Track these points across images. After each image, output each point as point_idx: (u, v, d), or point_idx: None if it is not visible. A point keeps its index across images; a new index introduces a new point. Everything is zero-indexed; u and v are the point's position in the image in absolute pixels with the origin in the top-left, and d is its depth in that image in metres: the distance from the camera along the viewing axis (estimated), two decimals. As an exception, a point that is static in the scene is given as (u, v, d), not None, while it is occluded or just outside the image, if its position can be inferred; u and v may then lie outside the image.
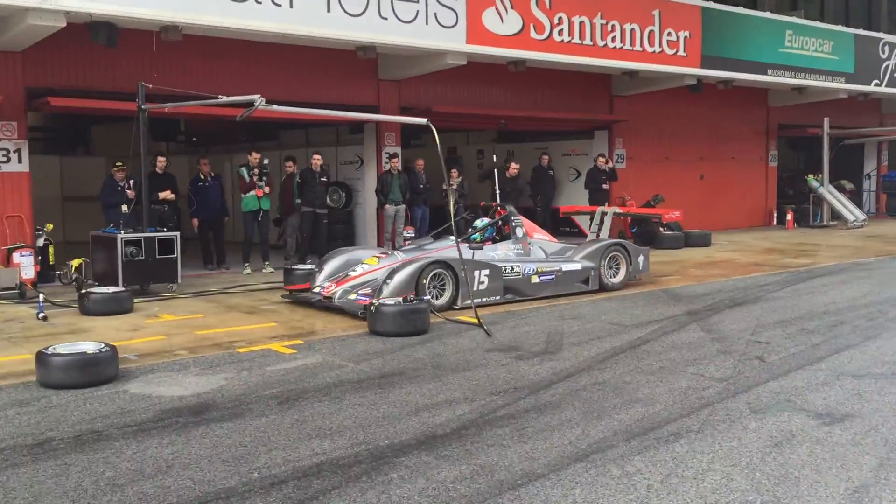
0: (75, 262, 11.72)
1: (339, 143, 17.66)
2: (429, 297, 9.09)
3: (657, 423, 5.23)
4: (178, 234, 11.32)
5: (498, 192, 12.90)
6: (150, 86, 10.66)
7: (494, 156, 14.53)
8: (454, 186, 15.92)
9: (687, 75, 17.92)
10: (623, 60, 16.51)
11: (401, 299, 8.51)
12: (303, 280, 10.43)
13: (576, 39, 15.62)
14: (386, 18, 13.08)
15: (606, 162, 17.64)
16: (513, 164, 16.17)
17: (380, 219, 15.84)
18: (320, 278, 10.17)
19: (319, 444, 4.97)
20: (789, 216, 22.07)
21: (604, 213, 13.89)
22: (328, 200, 15.22)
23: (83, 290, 10.05)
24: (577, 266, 10.85)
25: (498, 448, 4.83)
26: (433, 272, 9.35)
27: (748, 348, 7.38)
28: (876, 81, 22.37)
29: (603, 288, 10.87)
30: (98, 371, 6.40)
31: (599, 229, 13.40)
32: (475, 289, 9.54)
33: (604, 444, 4.86)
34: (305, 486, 4.31)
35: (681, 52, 17.46)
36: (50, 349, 6.47)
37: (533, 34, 14.97)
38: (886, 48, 22.56)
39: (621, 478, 4.32)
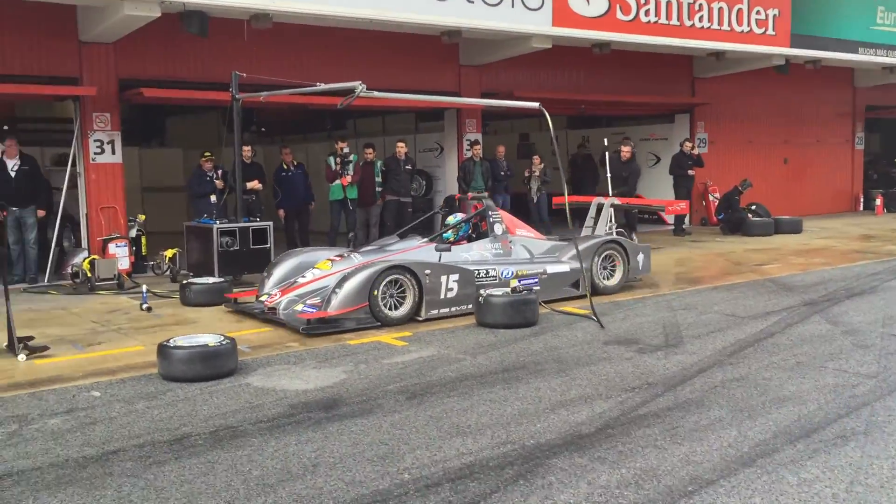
0: (169, 253, 11.79)
1: (417, 130, 17.49)
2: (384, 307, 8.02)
3: (817, 425, 4.93)
4: (271, 224, 11.28)
5: (610, 177, 12.40)
6: (244, 75, 10.59)
7: (605, 139, 13.76)
8: (536, 173, 15.69)
9: (775, 55, 17.28)
10: (710, 41, 15.98)
11: (509, 290, 8.30)
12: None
13: (662, 20, 15.14)
14: (472, 2, 12.83)
15: (693, 147, 17.10)
16: (625, 148, 15.02)
17: (461, 207, 15.63)
18: (268, 285, 8.95)
19: (462, 442, 4.79)
20: (878, 201, 21.29)
21: (600, 204, 11.76)
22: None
23: (183, 281, 10.06)
24: (563, 268, 9.46)
25: (653, 450, 4.59)
26: (389, 278, 8.08)
27: (885, 342, 7.00)
28: (970, 58, 21.35)
29: (596, 291, 9.23)
30: (220, 364, 6.33)
31: (595, 223, 11.36)
32: (442, 297, 8.33)
33: (766, 447, 4.59)
34: (462, 490, 4.13)
35: (769, 31, 16.84)
36: (171, 342, 6.41)
37: (619, 15, 14.55)
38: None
39: (800, 486, 4.05)
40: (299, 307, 8.24)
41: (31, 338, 7.34)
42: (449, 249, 9.18)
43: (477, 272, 8.78)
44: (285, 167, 13.79)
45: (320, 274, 8.66)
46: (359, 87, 8.61)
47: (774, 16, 16.89)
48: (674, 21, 15.32)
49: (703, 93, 19.02)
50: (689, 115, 19.22)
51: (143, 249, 12.36)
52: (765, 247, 14.35)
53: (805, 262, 12.27)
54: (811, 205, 21.15)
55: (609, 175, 12.78)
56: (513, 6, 13.25)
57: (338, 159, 13.31)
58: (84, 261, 11.02)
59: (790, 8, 17.12)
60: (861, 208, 22.51)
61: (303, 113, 20.41)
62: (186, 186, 12.92)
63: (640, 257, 10.18)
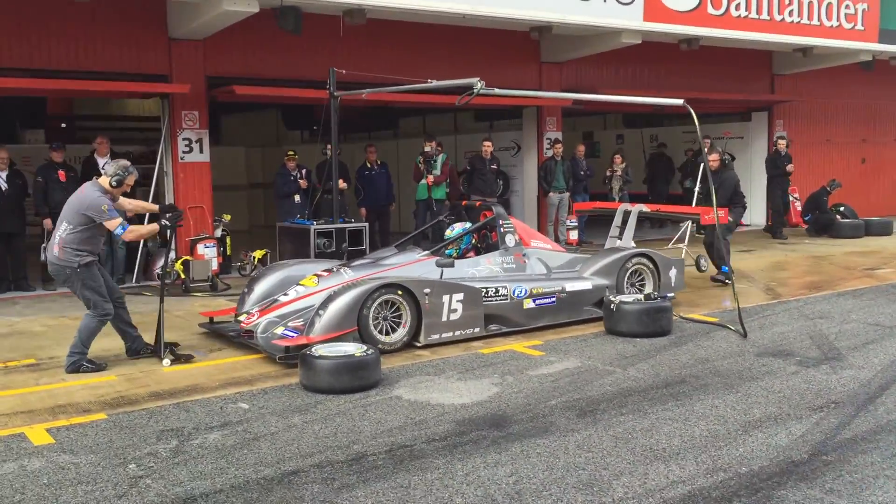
0: (258, 254, 11.53)
1: (456, 130, 17.17)
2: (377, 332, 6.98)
3: None
4: (367, 224, 10.97)
5: (699, 192, 11.70)
6: (343, 71, 10.28)
7: (705, 145, 12.13)
8: (619, 173, 15.26)
9: (863, 51, 16.71)
10: (799, 35, 15.46)
11: (642, 297, 7.89)
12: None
13: (752, 14, 14.65)
14: (565, -3, 12.45)
15: (788, 146, 16.44)
16: (712, 156, 11.70)
17: (541, 207, 15.27)
18: (248, 303, 7.83)
19: (667, 468, 4.42)
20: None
21: (626, 212, 10.26)
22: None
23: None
24: (586, 285, 8.40)
25: (886, 480, 4.18)
26: (382, 298, 7.00)
27: None
28: None
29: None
30: (366, 375, 6.01)
31: (621, 233, 9.93)
32: (444, 319, 7.27)
33: None
34: (698, 524, 3.76)
35: (858, 26, 16.27)
36: (314, 351, 6.10)
37: (710, 9, 14.10)
38: None
39: None
40: (279, 330, 7.10)
41: (176, 344, 7.09)
42: (452, 265, 7.96)
43: (485, 291, 7.68)
44: (369, 166, 13.49)
45: (304, 292, 7.49)
46: (478, 84, 8.25)
47: (864, 10, 16.31)
48: (763, 16, 14.83)
49: (783, 90, 18.48)
50: (768, 113, 18.68)
51: (228, 249, 12.11)
52: (862, 249, 13.82)
53: (915, 266, 11.75)
54: (890, 205, 20.50)
55: (698, 189, 12.09)
56: (605, 1, 12.85)
57: (422, 158, 12.98)
58: (177, 262, 10.80)
59: (879, 2, 16.54)
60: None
61: (362, 112, 20.32)
62: (273, 186, 12.64)
63: (673, 272, 9.10)
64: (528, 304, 7.95)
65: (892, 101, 20.68)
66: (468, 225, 8.72)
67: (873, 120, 20.59)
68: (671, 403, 5.56)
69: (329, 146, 12.10)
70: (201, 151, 11.87)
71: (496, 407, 5.57)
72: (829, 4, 15.75)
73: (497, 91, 8.39)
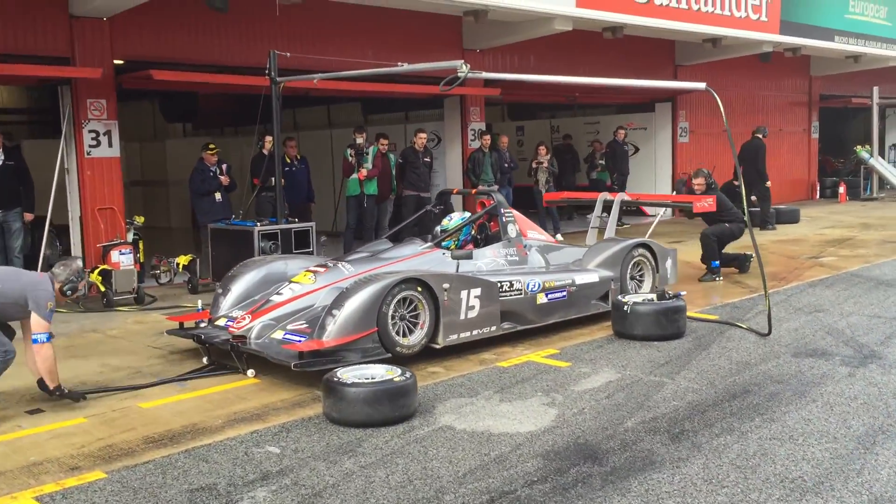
0: (182, 259, 10.31)
1: (407, 120, 16.34)
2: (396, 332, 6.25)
3: None
4: (313, 224, 9.97)
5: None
6: (287, 54, 9.23)
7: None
8: (545, 164, 14.84)
9: (766, 42, 17.01)
10: (714, 25, 15.49)
11: (653, 296, 7.36)
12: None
13: (674, 3, 14.54)
14: (499, -21, 11.80)
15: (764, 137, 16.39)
16: (697, 180, 10.75)
17: (468, 202, 14.60)
18: (225, 305, 6.90)
19: (826, 503, 3.86)
20: (842, 189, 21.53)
21: (608, 202, 9.63)
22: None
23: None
24: (593, 277, 7.87)
25: None
26: (401, 295, 6.28)
27: None
28: (921, 48, 21.86)
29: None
30: (407, 403, 5.16)
31: (605, 223, 9.43)
32: (462, 317, 6.59)
33: None
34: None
35: (763, 17, 16.53)
36: (337, 377, 5.18)
37: (636, -3, 13.86)
38: (930, 14, 22.05)
39: None
40: (278, 334, 6.28)
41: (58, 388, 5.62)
42: (470, 256, 7.41)
43: (500, 285, 7.03)
44: (288, 161, 12.36)
45: (301, 290, 6.69)
46: (462, 67, 7.45)
47: (767, 2, 16.59)
48: (682, 5, 14.76)
49: (685, 80, 18.60)
50: (672, 104, 18.80)
51: (141, 256, 10.73)
52: (783, 238, 13.99)
53: (851, 254, 11.90)
54: (783, 193, 21.18)
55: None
56: (541, -16, 12.32)
57: (353, 151, 12.04)
58: (92, 273, 9.41)
59: (781, -7, 16.90)
60: (817, 196, 22.75)
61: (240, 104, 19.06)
62: (189, 183, 11.33)
63: (669, 264, 8.71)
64: (542, 298, 7.32)
65: (778, 92, 21.38)
66: (466, 214, 7.98)
67: (763, 111, 21.19)
68: (758, 419, 5.03)
69: (266, 139, 11.01)
70: (111, 145, 10.44)
71: (570, 434, 4.86)
72: (739, -6, 15.91)
73: (485, 74, 7.66)
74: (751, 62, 18.39)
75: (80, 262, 6.02)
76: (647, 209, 16.31)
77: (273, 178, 10.69)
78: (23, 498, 4.14)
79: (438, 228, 7.90)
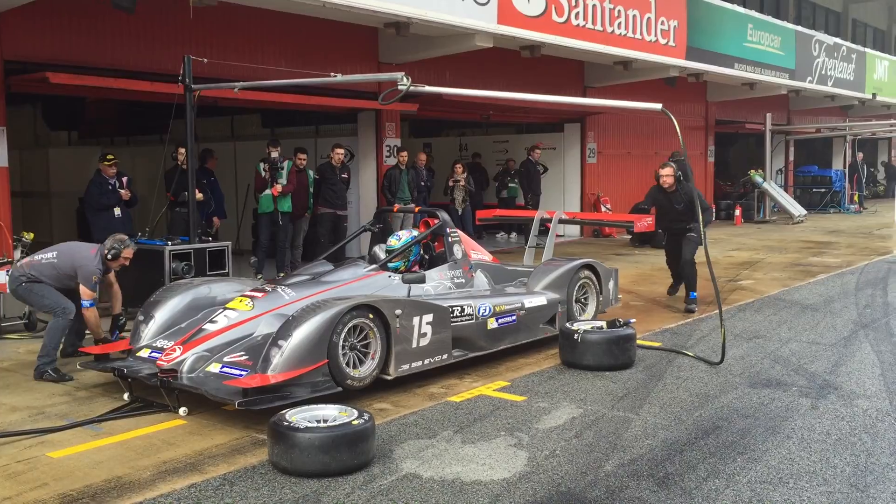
0: (79, 281, 9.36)
1: (318, 134, 15.71)
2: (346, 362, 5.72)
3: None
4: (229, 244, 9.25)
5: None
6: (205, 60, 8.54)
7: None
8: (461, 182, 14.54)
9: (672, 66, 17.28)
10: (626, 48, 15.58)
11: (603, 324, 7.06)
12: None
13: (589, 24, 14.54)
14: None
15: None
16: (664, 171, 9.66)
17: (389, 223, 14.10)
18: (148, 333, 6.21)
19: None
20: (738, 212, 22.14)
21: (545, 220, 9.23)
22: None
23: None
24: (541, 300, 7.49)
25: None
26: (352, 323, 5.72)
27: None
28: (809, 78, 22.80)
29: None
30: (366, 448, 4.63)
31: (536, 242, 9.17)
32: (414, 345, 6.11)
33: None
34: None
35: (671, 42, 16.80)
36: (286, 420, 4.60)
37: (554, 16, 13.74)
38: (817, 45, 23.06)
39: None
40: (214, 367, 5.65)
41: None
42: (422, 280, 6.94)
43: (451, 310, 6.56)
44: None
45: (238, 318, 6.05)
46: (402, 79, 7.00)
47: (674, 27, 16.86)
48: (598, 26, 14.77)
49: (566, 104, 18.67)
50: (581, 125, 18.87)
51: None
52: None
53: (766, 276, 12.04)
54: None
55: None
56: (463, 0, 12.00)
57: (266, 166, 11.36)
58: (-24, 295, 8.44)
59: (686, 20, 17.20)
60: (713, 219, 23.31)
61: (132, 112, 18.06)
62: (86, 197, 10.39)
63: (611, 284, 8.46)
64: (492, 323, 6.91)
65: (679, 116, 21.38)
66: (414, 233, 7.45)
67: (665, 134, 21.58)
68: (739, 459, 4.75)
69: (180, 150, 10.22)
70: (-4, 154, 9.46)
71: (549, 481, 4.45)
72: (649, 19, 16.06)
73: (428, 88, 7.20)
74: (655, 86, 18.60)
75: (123, 235, 7.07)
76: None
77: (187, 194, 9.95)
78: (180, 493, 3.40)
79: (378, 248, 7.38)
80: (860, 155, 28.35)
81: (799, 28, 22.59)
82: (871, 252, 15.09)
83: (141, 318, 6.36)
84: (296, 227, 11.98)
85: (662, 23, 16.46)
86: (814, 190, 27.00)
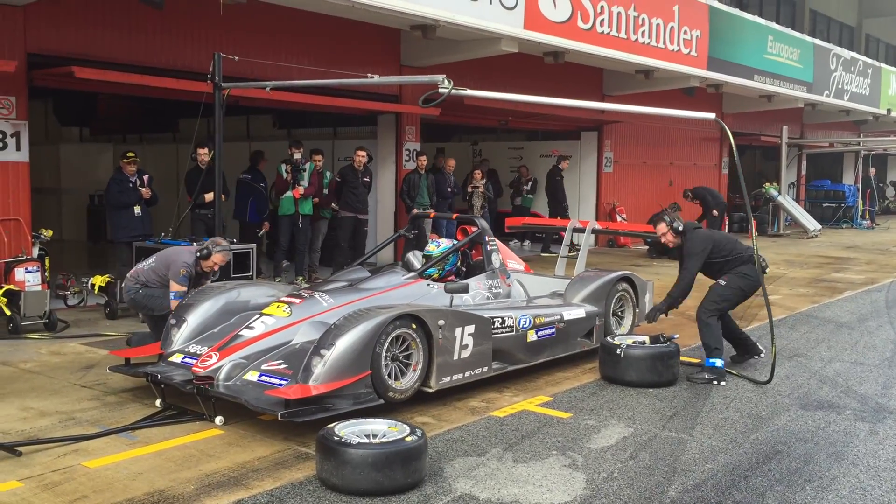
0: (98, 280, 9.18)
1: (336, 136, 15.50)
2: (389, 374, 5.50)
3: None
4: (254, 246, 9.05)
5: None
6: (237, 58, 8.35)
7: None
8: (480, 189, 14.35)
9: (694, 76, 17.10)
10: (648, 57, 15.39)
11: (645, 338, 6.83)
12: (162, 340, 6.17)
13: (614, 31, 14.36)
14: (450, -6, 11.23)
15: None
16: (660, 226, 7.48)
17: (399, 225, 13.90)
18: (180, 338, 6.01)
19: None
20: (753, 225, 21.88)
21: (577, 230, 9.06)
22: (333, 204, 12.79)
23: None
24: (580, 312, 7.23)
25: None
26: (395, 333, 5.49)
27: None
28: (826, 92, 22.64)
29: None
30: (419, 467, 4.42)
31: (574, 253, 8.94)
32: (456, 357, 5.90)
33: None
34: None
35: (693, 52, 16.62)
36: (338, 433, 4.39)
37: (580, 23, 13.56)
38: (835, 59, 22.90)
39: None
40: (252, 376, 5.42)
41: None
42: (466, 289, 6.68)
43: (493, 322, 6.35)
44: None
45: (276, 324, 5.83)
46: (444, 82, 6.81)
47: (697, 37, 16.69)
48: (622, 34, 14.59)
49: (610, 111, 18.53)
50: (598, 133, 18.69)
51: (47, 273, 9.53)
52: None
53: (792, 292, 11.86)
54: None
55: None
56: (490, 2, 11.81)
57: (288, 167, 11.16)
58: (-3, 293, 8.24)
59: (708, 30, 17.02)
60: (726, 230, 23.12)
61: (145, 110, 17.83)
62: (106, 195, 10.20)
63: (648, 297, 8.11)
64: (532, 336, 6.67)
65: (693, 127, 21.65)
66: (444, 241, 7.22)
67: (679, 144, 21.46)
68: (808, 488, 4.54)
69: (201, 151, 10.02)
70: (18, 148, 9.28)
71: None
72: (672, 28, 15.89)
73: (469, 92, 6.99)
74: (673, 96, 18.43)
75: (220, 238, 7.26)
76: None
77: (205, 196, 9.77)
78: None
79: (411, 255, 7.17)
80: (873, 170, 28.19)
81: (817, 41, 22.42)
82: (893, 269, 14.91)
83: (173, 321, 6.15)
84: (314, 229, 11.77)
85: (685, 32, 16.29)
86: (825, 205, 26.85)
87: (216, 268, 7.10)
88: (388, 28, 12.31)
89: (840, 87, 23.15)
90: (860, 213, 26.42)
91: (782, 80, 20.23)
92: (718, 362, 6.79)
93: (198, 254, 6.89)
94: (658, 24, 15.48)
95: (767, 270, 7.37)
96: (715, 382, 6.68)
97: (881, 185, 33.54)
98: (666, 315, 7.25)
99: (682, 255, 7.27)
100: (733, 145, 6.54)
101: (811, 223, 22.10)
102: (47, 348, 7.52)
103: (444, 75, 6.88)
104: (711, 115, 6.70)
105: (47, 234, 9.59)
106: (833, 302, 10.95)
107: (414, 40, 12.86)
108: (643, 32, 15.11)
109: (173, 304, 6.62)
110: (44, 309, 8.28)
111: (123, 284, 7.33)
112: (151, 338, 6.81)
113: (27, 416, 5.50)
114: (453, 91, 6.80)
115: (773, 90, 19.91)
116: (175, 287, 6.74)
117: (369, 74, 7.63)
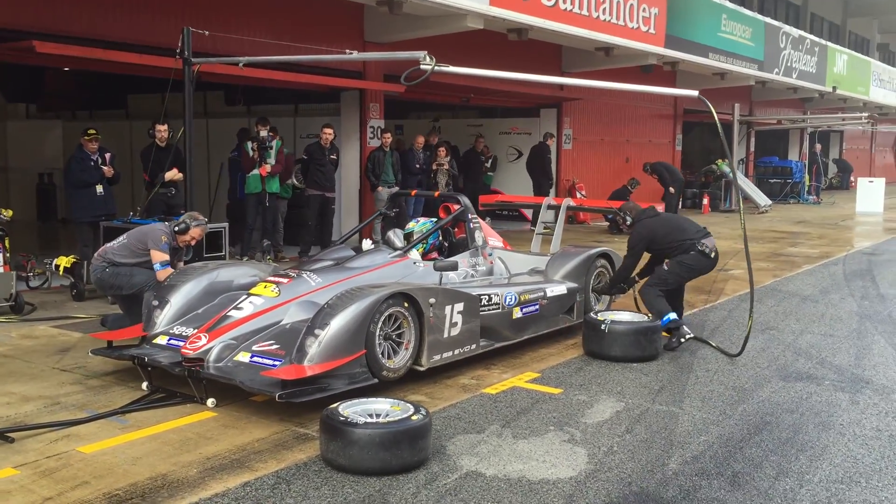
0: (64, 261, 8.94)
1: (297, 113, 15.29)
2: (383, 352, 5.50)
3: None
4: (226, 225, 8.90)
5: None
6: (207, 33, 8.16)
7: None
8: (445, 166, 14.30)
9: (651, 54, 17.24)
10: (608, 34, 15.47)
11: (629, 314, 6.92)
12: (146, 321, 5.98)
13: (576, 8, 14.39)
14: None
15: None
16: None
17: (364, 203, 13.82)
18: (163, 319, 5.86)
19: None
20: (706, 200, 22.31)
21: (553, 207, 8.93)
22: (294, 181, 12.68)
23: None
24: (561, 288, 7.27)
25: None
26: (388, 312, 5.48)
27: None
28: (776, 70, 23.06)
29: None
30: (424, 445, 4.41)
31: (548, 229, 8.76)
32: (446, 335, 5.89)
33: None
34: None
35: (651, 30, 16.75)
36: (340, 415, 4.37)
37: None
38: (784, 38, 23.32)
39: None
40: (243, 357, 5.33)
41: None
42: (455, 267, 6.71)
43: (481, 300, 6.36)
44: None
45: (265, 305, 5.74)
46: (426, 59, 6.75)
47: (655, 14, 16.82)
48: (584, 11, 14.63)
49: (569, 88, 18.56)
50: (557, 110, 18.76)
51: (7, 255, 9.24)
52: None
53: (753, 266, 12.07)
54: (649, 202, 21.67)
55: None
56: (458, -22, 11.74)
57: (254, 145, 10.98)
58: (-41, 275, 7.97)
59: (666, 7, 17.15)
60: (680, 206, 23.47)
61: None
62: (65, 173, 9.90)
63: None
64: (517, 313, 6.72)
65: (650, 104, 21.88)
66: (423, 220, 7.27)
67: (635, 121, 21.65)
68: (802, 457, 4.66)
69: (159, 128, 9.77)
70: (-24, 126, 8.93)
71: (618, 479, 4.30)
72: (631, 6, 15.99)
73: (451, 69, 6.94)
74: (630, 73, 18.57)
75: (200, 216, 7.11)
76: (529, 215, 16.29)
77: (165, 174, 9.53)
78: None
79: (392, 233, 7.12)
80: (818, 146, 28.84)
81: (768, 20, 22.80)
82: (844, 243, 15.33)
83: (155, 303, 6.01)
84: (277, 207, 11.62)
85: (644, 10, 16.40)
86: (772, 181, 27.39)
87: (193, 242, 7.10)
88: (351, 3, 12.15)
89: (789, 65, 23.60)
90: (806, 188, 27.04)
91: (735, 58, 20.53)
92: (671, 315, 7.09)
93: (175, 228, 6.85)
94: (618, 2, 15.56)
95: (714, 255, 7.79)
96: (684, 339, 7.04)
97: (824, 159, 34.39)
98: (612, 298, 7.76)
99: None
100: (718, 122, 6.59)
101: (762, 199, 22.57)
102: (17, 331, 7.32)
103: (426, 52, 6.82)
104: (695, 93, 6.77)
105: (7, 213, 9.26)
106: (794, 276, 11.22)
107: (378, 16, 12.75)
108: (604, 10, 15.17)
109: (159, 274, 6.57)
110: (10, 291, 8.04)
111: (91, 265, 7.19)
112: (127, 319, 6.69)
113: (10, 402, 5.35)
114: (436, 68, 6.74)
115: (727, 68, 20.21)
116: (158, 256, 6.66)
117: (347, 50, 7.52)
